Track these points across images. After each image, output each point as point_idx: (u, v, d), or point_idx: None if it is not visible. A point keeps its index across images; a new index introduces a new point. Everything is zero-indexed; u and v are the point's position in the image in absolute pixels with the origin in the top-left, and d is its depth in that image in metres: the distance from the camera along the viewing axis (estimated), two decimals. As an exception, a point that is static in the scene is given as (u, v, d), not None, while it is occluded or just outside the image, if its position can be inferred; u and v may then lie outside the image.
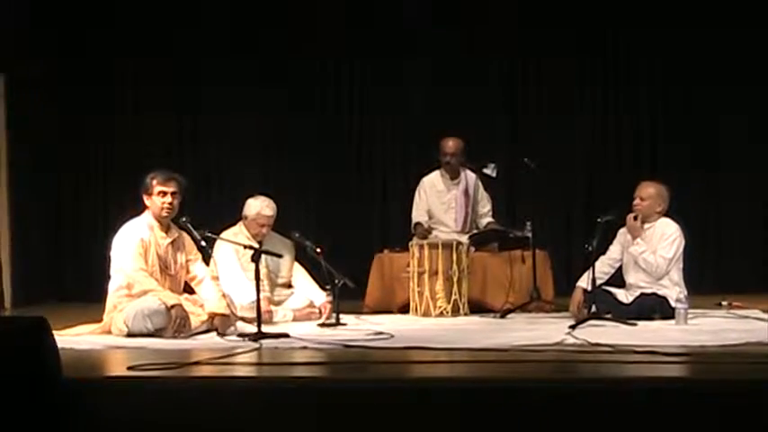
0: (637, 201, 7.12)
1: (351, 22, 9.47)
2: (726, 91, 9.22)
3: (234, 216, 7.54)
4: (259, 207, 7.42)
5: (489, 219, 8.32)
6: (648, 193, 7.12)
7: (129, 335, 6.24)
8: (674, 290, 6.97)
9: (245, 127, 9.51)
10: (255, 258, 6.28)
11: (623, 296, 7.08)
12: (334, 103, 9.64)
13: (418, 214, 8.28)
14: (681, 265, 7.10)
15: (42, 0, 9.19)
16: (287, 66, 9.49)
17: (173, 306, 6.23)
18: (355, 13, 9.45)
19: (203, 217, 7.21)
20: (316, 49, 9.45)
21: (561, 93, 9.46)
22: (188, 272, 6.65)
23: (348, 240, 9.28)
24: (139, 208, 6.59)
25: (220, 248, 7.16)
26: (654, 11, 9.26)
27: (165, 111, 9.55)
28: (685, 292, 6.97)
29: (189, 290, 6.71)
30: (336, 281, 7.13)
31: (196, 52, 9.46)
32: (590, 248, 6.86)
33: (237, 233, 7.34)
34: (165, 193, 6.46)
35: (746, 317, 7.00)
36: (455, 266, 7.59)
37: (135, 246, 6.39)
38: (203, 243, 6.48)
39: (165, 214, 6.49)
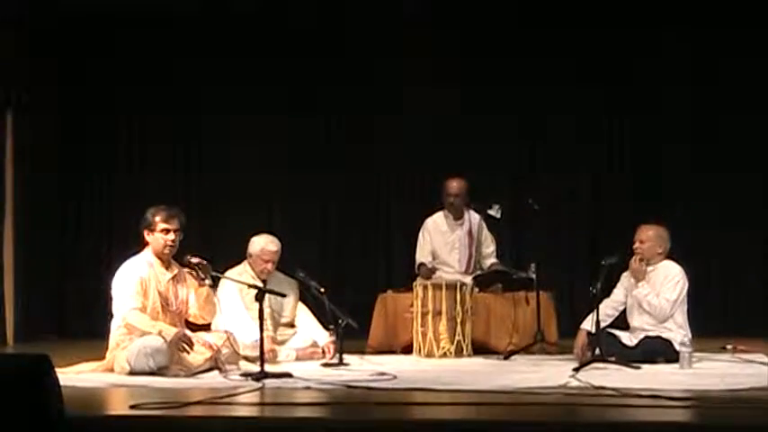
0: (637, 244, 7.13)
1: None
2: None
3: (237, 256, 7.54)
4: (263, 243, 7.43)
5: (493, 260, 8.32)
6: (648, 235, 7.13)
7: (132, 373, 6.22)
8: (678, 333, 6.95)
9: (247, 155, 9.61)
10: (259, 297, 6.27)
11: (627, 339, 7.06)
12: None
13: (422, 255, 8.27)
14: (685, 308, 7.09)
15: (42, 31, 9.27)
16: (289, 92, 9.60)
17: (174, 335, 6.21)
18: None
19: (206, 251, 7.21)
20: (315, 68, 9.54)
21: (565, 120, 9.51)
22: (189, 307, 6.63)
23: (351, 279, 9.28)
24: (142, 243, 6.59)
25: (224, 287, 7.16)
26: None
27: (166, 141, 9.70)
28: (689, 336, 6.95)
29: (190, 328, 6.69)
30: (340, 321, 7.11)
31: (196, 82, 9.56)
32: (594, 291, 6.84)
33: (242, 272, 7.33)
34: (168, 231, 6.46)
35: (751, 361, 6.98)
36: (459, 307, 7.58)
37: (133, 285, 6.38)
38: (208, 282, 6.48)
39: (168, 251, 6.49)
